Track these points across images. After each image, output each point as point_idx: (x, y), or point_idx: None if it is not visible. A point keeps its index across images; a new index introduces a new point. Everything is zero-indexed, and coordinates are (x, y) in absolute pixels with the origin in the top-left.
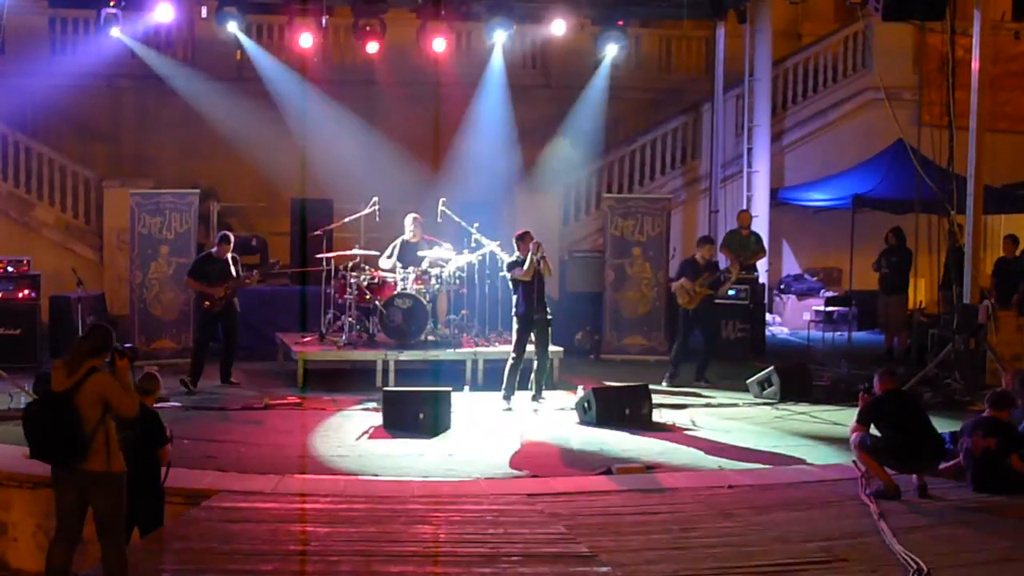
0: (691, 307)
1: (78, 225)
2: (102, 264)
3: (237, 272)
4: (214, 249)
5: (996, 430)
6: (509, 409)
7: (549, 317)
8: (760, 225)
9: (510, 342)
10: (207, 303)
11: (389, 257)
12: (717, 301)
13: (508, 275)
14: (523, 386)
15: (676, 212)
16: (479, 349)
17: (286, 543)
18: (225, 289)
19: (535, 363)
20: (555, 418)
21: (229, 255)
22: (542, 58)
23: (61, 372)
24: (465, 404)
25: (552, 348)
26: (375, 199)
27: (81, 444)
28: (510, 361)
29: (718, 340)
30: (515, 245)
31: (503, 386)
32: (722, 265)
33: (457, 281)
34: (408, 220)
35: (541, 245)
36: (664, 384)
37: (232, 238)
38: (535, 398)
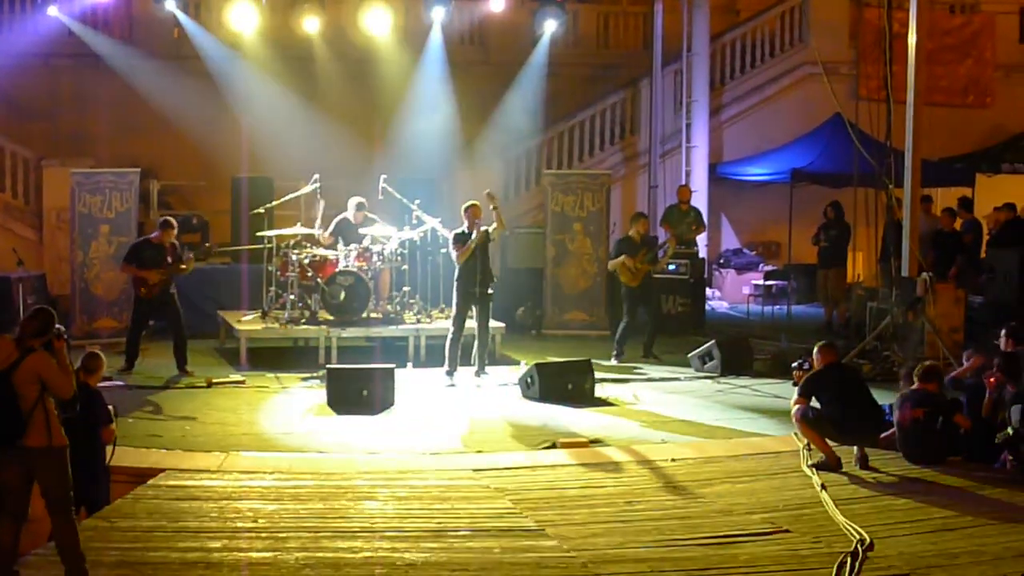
0: (634, 284)
1: (17, 205)
2: (42, 244)
3: (175, 258)
4: (154, 234)
5: (925, 402)
6: (452, 385)
7: (490, 292)
8: (699, 200)
9: (449, 318)
10: (142, 289)
11: (331, 233)
12: (657, 276)
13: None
14: (466, 362)
15: (616, 187)
16: (421, 326)
17: (234, 520)
18: (160, 274)
19: (476, 339)
20: (498, 393)
21: (174, 241)
22: (481, 34)
23: (1, 351)
24: (408, 380)
25: (493, 324)
26: (316, 176)
27: (20, 421)
28: (450, 336)
29: (659, 315)
30: (462, 215)
31: (445, 362)
32: (662, 240)
33: (399, 258)
34: (352, 203)
35: (494, 196)
36: (613, 362)
37: (175, 224)
38: (478, 373)
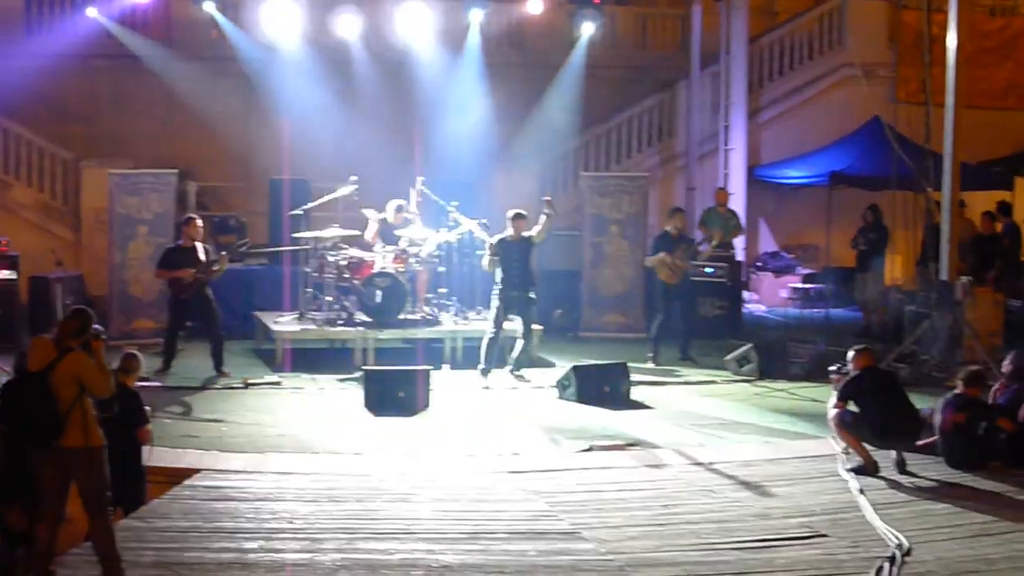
0: (673, 282)
1: (56, 206)
2: (80, 244)
3: (207, 259)
4: (181, 239)
5: (966, 406)
6: (487, 387)
7: (532, 295)
8: (737, 203)
9: (487, 320)
10: (178, 288)
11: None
12: (694, 278)
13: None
14: (503, 364)
15: (653, 190)
16: (458, 328)
17: (270, 521)
18: (195, 272)
19: (516, 341)
20: (535, 396)
21: (198, 244)
22: (519, 36)
23: (38, 352)
24: (445, 382)
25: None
26: (353, 178)
27: (57, 422)
28: (487, 337)
29: (696, 317)
30: (508, 223)
31: (481, 360)
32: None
33: (436, 260)
34: (391, 205)
35: (552, 203)
36: (649, 364)
37: (197, 219)
38: (514, 371)
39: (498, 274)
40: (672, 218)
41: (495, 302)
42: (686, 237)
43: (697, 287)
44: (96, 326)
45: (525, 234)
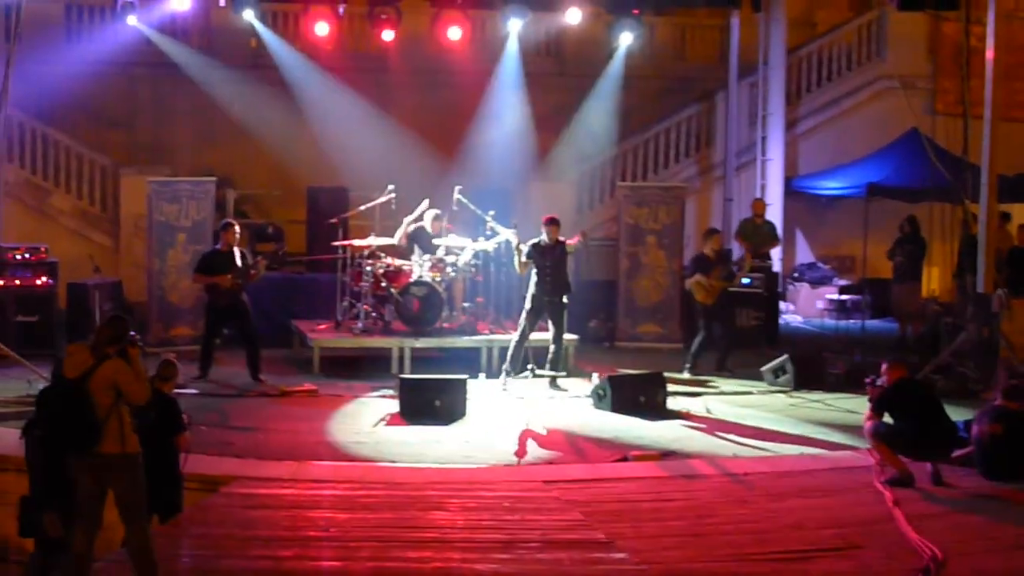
0: (710, 302)
1: (94, 212)
2: (119, 251)
3: (244, 264)
4: (219, 244)
5: (1003, 417)
6: (504, 388)
7: (564, 301)
8: (774, 213)
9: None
10: (215, 294)
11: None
12: (731, 289)
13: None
14: (524, 371)
15: (690, 200)
16: (494, 336)
17: (305, 529)
18: (232, 278)
19: (551, 345)
20: (570, 405)
21: (236, 250)
22: (557, 46)
23: (76, 358)
24: (481, 391)
25: (566, 336)
26: (391, 187)
27: (95, 429)
28: (514, 339)
29: (733, 329)
30: (543, 227)
31: (506, 360)
32: (736, 253)
33: (472, 269)
34: (429, 214)
35: (587, 235)
36: (685, 374)
37: (235, 225)
38: (553, 380)
39: (533, 278)
40: (708, 240)
41: (527, 305)
42: (723, 255)
43: (734, 298)
44: (132, 333)
45: (563, 240)
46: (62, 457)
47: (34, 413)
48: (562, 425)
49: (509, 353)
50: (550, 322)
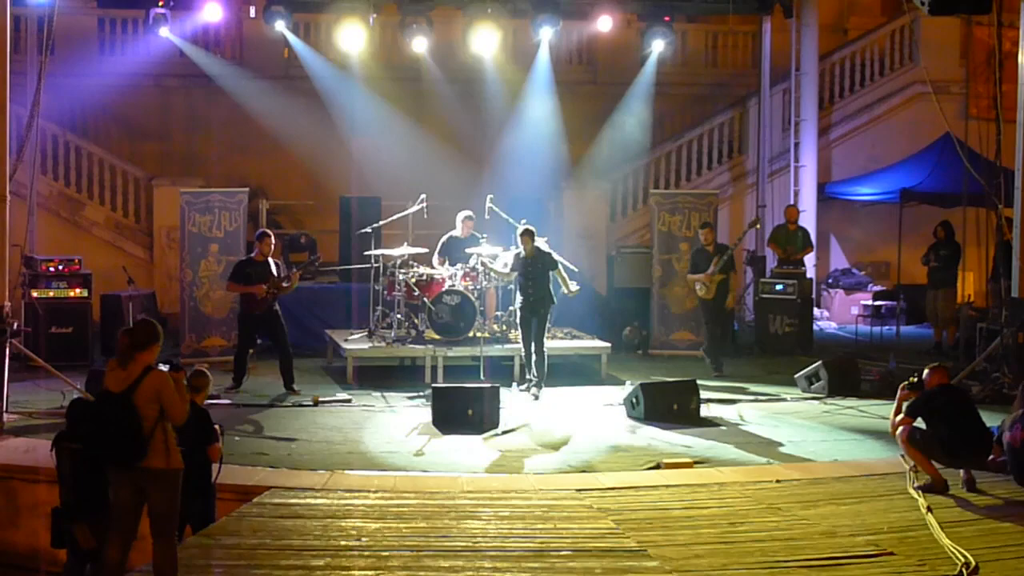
0: (710, 298)
1: (128, 224)
2: (152, 262)
3: (279, 274)
4: (254, 252)
5: None
6: (536, 398)
7: (545, 313)
8: (808, 220)
9: (557, 338)
10: (249, 304)
11: (440, 255)
12: (765, 296)
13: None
14: (577, 382)
15: (723, 207)
16: None
17: (337, 539)
18: (267, 288)
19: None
20: (603, 413)
21: (271, 259)
22: (589, 54)
23: (117, 372)
24: (513, 400)
25: (599, 343)
26: (423, 196)
27: (142, 442)
28: (521, 353)
29: (766, 335)
30: (518, 240)
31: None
32: (770, 260)
33: (505, 278)
34: (460, 217)
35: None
36: (715, 378)
37: (271, 235)
38: (531, 388)
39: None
40: (702, 232)
41: (517, 318)
42: (720, 247)
43: (768, 304)
44: (174, 361)
45: (546, 252)
46: (94, 469)
47: (65, 425)
48: (595, 433)
49: (530, 365)
50: (532, 332)
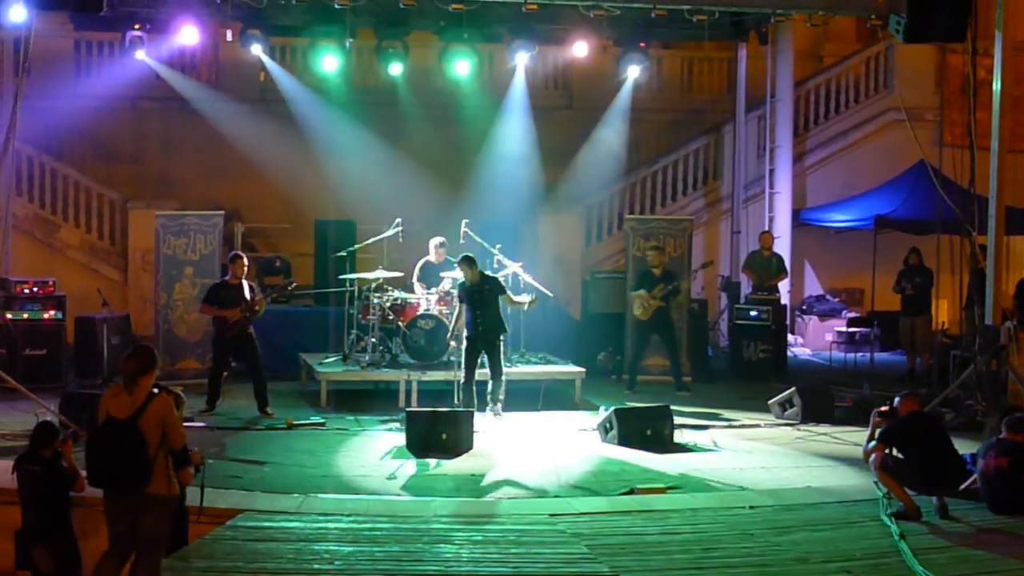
0: (645, 318)
1: (103, 246)
2: (127, 285)
3: (252, 297)
4: (227, 275)
5: (1009, 451)
6: (498, 416)
7: (499, 339)
8: (782, 246)
9: (532, 362)
10: (223, 327)
11: (418, 280)
12: (739, 322)
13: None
14: (551, 407)
15: (698, 233)
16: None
17: (310, 562)
18: (241, 311)
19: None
20: (577, 438)
21: (245, 282)
22: (564, 79)
23: (123, 397)
24: (487, 424)
25: (573, 369)
26: (398, 220)
27: (147, 469)
28: (459, 383)
29: (740, 361)
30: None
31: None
32: (744, 286)
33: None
34: (432, 243)
35: (535, 301)
36: (627, 392)
37: (243, 256)
38: (489, 409)
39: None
40: (651, 254)
41: (464, 346)
42: (667, 274)
43: (742, 330)
44: (176, 391)
45: (492, 277)
46: (63, 495)
47: (26, 448)
48: (568, 458)
49: (461, 397)
50: (486, 358)
